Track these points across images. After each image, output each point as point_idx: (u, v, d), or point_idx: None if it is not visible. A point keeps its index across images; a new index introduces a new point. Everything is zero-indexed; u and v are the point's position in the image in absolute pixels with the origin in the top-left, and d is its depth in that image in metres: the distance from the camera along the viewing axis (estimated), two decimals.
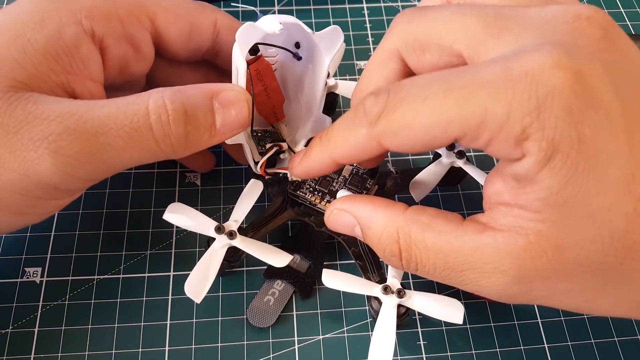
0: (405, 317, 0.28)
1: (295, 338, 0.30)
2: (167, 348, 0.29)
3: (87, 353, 0.29)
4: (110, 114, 0.23)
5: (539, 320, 0.31)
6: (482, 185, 0.30)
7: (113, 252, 0.32)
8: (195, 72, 0.32)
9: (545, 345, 0.30)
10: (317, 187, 0.29)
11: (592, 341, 0.30)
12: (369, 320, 0.30)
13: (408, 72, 0.25)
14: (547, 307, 0.23)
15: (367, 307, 0.31)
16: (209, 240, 0.29)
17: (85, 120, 0.22)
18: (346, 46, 0.41)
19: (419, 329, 0.30)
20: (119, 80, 0.28)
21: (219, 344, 0.29)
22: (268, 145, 0.29)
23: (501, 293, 0.22)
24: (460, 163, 0.31)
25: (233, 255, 0.29)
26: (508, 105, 0.19)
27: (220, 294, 0.31)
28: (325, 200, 0.30)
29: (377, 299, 0.28)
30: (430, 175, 0.32)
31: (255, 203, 0.30)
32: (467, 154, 0.32)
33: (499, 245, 0.21)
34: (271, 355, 0.29)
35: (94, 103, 0.23)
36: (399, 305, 0.27)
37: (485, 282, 0.22)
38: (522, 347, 0.30)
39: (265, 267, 0.31)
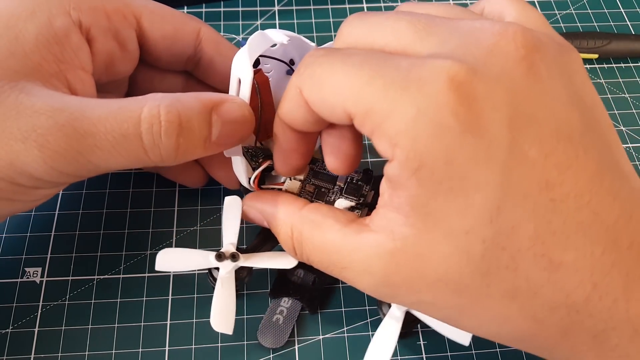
0: (413, 326, 0.28)
1: (295, 338, 0.30)
2: (167, 348, 0.29)
3: (87, 353, 0.29)
4: (101, 117, 0.22)
5: None
6: None
7: (113, 252, 0.32)
8: (176, 78, 0.32)
9: None
10: (313, 199, 0.29)
11: None
12: (369, 320, 0.30)
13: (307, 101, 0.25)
14: None
15: (366, 307, 0.31)
16: (211, 271, 0.28)
17: (75, 118, 0.22)
18: None
19: (419, 329, 0.30)
20: (104, 78, 0.28)
21: (219, 344, 0.29)
22: (261, 161, 0.29)
23: (373, 293, 0.23)
24: None
25: (240, 273, 0.28)
26: (392, 104, 0.20)
27: None
28: None
29: (387, 303, 0.28)
30: None
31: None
32: None
33: (371, 247, 0.22)
34: (271, 356, 0.29)
35: (87, 101, 0.23)
36: (408, 313, 0.27)
37: (358, 280, 0.23)
38: None
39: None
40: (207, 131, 0.24)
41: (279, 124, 0.25)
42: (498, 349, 0.30)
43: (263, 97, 0.27)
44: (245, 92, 0.25)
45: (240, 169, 0.28)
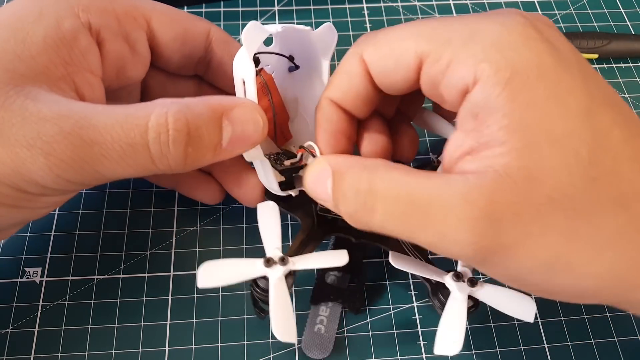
0: (473, 311, 0.27)
1: (295, 338, 0.30)
2: (167, 348, 0.29)
3: (87, 353, 0.29)
4: (107, 125, 0.22)
5: (539, 320, 0.31)
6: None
7: (113, 252, 0.32)
8: (188, 83, 0.31)
9: (545, 345, 0.30)
10: None
11: (592, 341, 0.30)
12: (369, 320, 0.30)
13: (371, 79, 0.25)
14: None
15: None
16: (256, 281, 0.26)
17: (81, 125, 0.22)
18: (346, 46, 0.41)
19: (419, 329, 0.30)
20: (115, 84, 0.28)
21: (219, 344, 0.29)
22: (289, 163, 0.27)
23: (469, 236, 0.20)
24: None
25: (287, 279, 0.27)
26: (474, 28, 0.22)
27: (220, 294, 0.31)
28: None
29: (444, 290, 0.27)
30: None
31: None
32: None
33: (468, 181, 0.20)
34: (271, 356, 0.29)
35: (94, 108, 0.23)
36: (468, 297, 0.26)
37: (450, 222, 0.20)
38: (522, 347, 0.30)
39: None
40: (218, 138, 0.23)
41: (325, 106, 0.25)
42: (498, 349, 0.30)
43: (272, 95, 0.27)
44: (252, 91, 0.24)
45: (264, 173, 0.27)
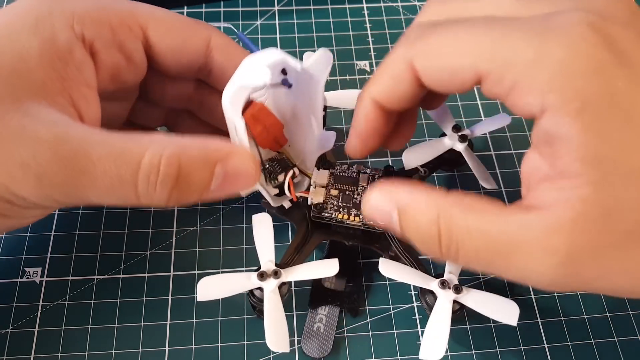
0: (459, 313, 0.28)
1: (295, 338, 0.30)
2: (167, 348, 0.29)
3: (87, 353, 0.29)
4: (102, 156, 0.22)
5: (539, 320, 0.31)
6: (474, 175, 0.30)
7: (113, 252, 0.32)
8: (187, 84, 0.31)
9: (545, 345, 0.30)
10: (340, 203, 0.29)
11: (592, 341, 0.30)
12: (369, 320, 0.30)
13: (419, 83, 0.25)
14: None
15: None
16: (252, 291, 0.28)
17: (76, 153, 0.22)
18: (346, 46, 0.41)
19: (419, 329, 0.30)
20: (110, 87, 0.27)
21: (219, 344, 0.29)
22: (282, 178, 0.28)
23: (551, 278, 0.20)
24: (460, 147, 0.31)
25: (281, 289, 0.28)
26: (539, 49, 0.19)
27: None
28: (353, 214, 0.29)
29: (432, 293, 0.28)
30: (428, 146, 0.32)
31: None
32: (469, 138, 0.32)
33: (547, 222, 0.20)
34: (271, 356, 0.29)
35: (91, 135, 0.22)
36: (454, 302, 0.27)
37: (533, 264, 0.20)
38: (522, 347, 0.30)
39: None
40: (207, 183, 0.23)
41: (365, 105, 0.25)
42: (498, 349, 0.30)
43: (265, 121, 0.27)
44: (241, 137, 0.25)
45: (259, 186, 0.28)
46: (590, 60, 0.19)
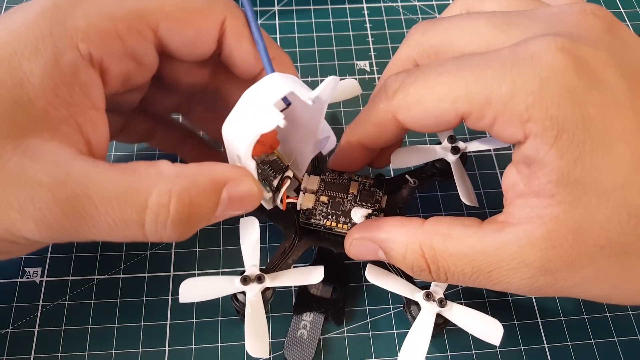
0: (442, 327, 0.28)
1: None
2: (167, 348, 0.29)
3: (87, 353, 0.29)
4: (104, 198, 0.21)
5: (539, 320, 0.31)
6: (456, 187, 0.30)
7: (113, 252, 0.32)
8: (203, 70, 0.30)
9: (545, 345, 0.30)
10: (329, 210, 0.29)
11: (592, 341, 0.30)
12: (369, 320, 0.30)
13: (404, 128, 0.26)
14: (570, 298, 0.23)
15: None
16: (235, 295, 0.28)
17: (76, 196, 0.21)
18: (346, 46, 0.41)
19: None
20: (121, 90, 0.26)
21: (219, 344, 0.29)
22: (276, 182, 0.28)
23: (529, 287, 0.22)
24: (451, 158, 0.31)
25: (265, 294, 0.28)
26: (512, 84, 0.20)
27: None
28: (341, 222, 0.29)
29: (417, 304, 0.28)
30: (418, 151, 0.31)
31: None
32: (467, 153, 0.32)
33: (520, 239, 0.21)
34: (271, 356, 0.29)
35: (93, 174, 0.21)
36: (438, 315, 0.27)
37: (512, 278, 0.22)
38: (522, 347, 0.30)
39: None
40: (214, 210, 0.23)
41: (351, 147, 0.27)
42: (498, 349, 0.30)
43: (265, 139, 0.27)
44: (250, 167, 0.24)
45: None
46: (562, 88, 0.20)
